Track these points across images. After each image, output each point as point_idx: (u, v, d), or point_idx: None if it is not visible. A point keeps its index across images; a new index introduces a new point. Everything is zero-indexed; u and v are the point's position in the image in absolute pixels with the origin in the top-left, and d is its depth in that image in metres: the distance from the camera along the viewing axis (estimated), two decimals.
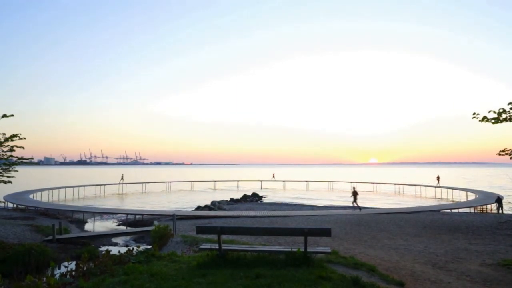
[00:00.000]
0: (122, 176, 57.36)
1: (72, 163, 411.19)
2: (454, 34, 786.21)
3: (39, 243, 13.85)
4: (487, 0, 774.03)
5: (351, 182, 54.61)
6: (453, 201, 33.76)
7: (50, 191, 38.52)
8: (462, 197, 35.39)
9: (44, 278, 5.78)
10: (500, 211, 25.48)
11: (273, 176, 66.02)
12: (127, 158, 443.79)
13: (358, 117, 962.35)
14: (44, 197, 35.75)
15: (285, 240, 11.94)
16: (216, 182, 58.81)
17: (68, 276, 6.33)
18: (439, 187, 42.85)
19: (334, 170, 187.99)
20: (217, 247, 7.10)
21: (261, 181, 60.17)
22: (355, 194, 23.59)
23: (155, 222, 18.05)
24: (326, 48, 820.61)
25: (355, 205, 23.34)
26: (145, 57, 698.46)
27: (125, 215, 23.31)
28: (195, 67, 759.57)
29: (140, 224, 21.24)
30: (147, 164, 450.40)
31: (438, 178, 47.27)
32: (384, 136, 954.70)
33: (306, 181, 58.25)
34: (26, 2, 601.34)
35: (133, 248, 9.10)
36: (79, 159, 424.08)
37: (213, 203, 31.65)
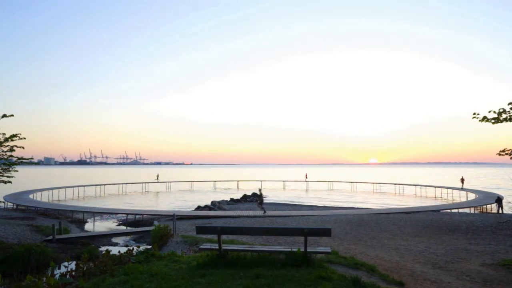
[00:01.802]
0: (158, 176, 59.53)
1: (72, 163, 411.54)
2: (454, 34, 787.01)
3: (39, 243, 13.85)
4: (488, 0, 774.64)
5: (351, 182, 54.71)
6: (453, 201, 33.76)
7: (50, 191, 38.54)
8: (462, 197, 35.39)
9: (44, 278, 5.78)
10: (500, 211, 25.49)
11: (306, 177, 64.59)
12: (127, 158, 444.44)
13: (358, 117, 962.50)
14: (44, 197, 35.75)
15: (285, 240, 11.94)
16: (216, 182, 58.84)
17: (68, 276, 6.33)
18: (464, 189, 38.60)
19: (334, 170, 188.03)
20: (217, 247, 7.10)
21: (261, 181, 60.19)
22: (261, 195, 22.66)
23: (155, 222, 18.05)
24: (326, 48, 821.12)
25: (260, 206, 22.47)
26: (144, 57, 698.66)
27: (125, 215, 23.32)
28: (195, 67, 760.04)
29: (140, 224, 21.25)
30: (147, 164, 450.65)
31: (462, 180, 43.28)
32: (384, 136, 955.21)
33: (306, 181, 58.28)
34: (26, 2, 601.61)
35: (133, 248, 9.10)
36: (79, 159, 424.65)
37: (213, 203, 31.65)
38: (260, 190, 23.28)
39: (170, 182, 55.80)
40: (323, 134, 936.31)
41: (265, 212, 21.95)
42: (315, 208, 28.40)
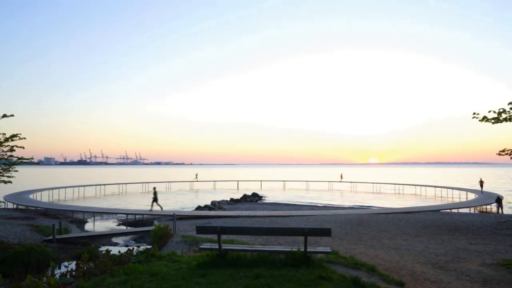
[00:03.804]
0: (197, 175, 62.04)
1: (72, 163, 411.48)
2: (454, 34, 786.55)
3: (39, 243, 13.84)
4: (488, 0, 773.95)
5: (351, 182, 54.71)
6: (453, 201, 33.75)
7: (50, 191, 38.51)
8: (462, 197, 35.37)
9: (44, 278, 5.79)
10: (500, 211, 25.49)
11: (341, 177, 62.60)
12: (127, 158, 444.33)
13: (358, 117, 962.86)
14: (44, 197, 35.74)
15: (285, 240, 11.94)
16: (216, 182, 58.81)
17: (68, 276, 6.34)
18: (485, 193, 34.49)
19: (334, 170, 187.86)
20: (217, 247, 7.10)
21: (261, 181, 60.16)
22: (155, 194, 23.79)
23: (155, 222, 18.04)
24: (326, 48, 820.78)
25: (156, 205, 23.43)
26: (145, 57, 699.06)
27: (125, 215, 23.31)
28: (195, 67, 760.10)
29: (140, 224, 21.24)
30: (147, 164, 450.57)
31: (481, 182, 37.28)
32: (384, 136, 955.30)
33: (306, 181, 58.25)
34: (26, 2, 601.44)
35: (133, 248, 9.10)
36: (79, 159, 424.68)
37: (213, 203, 31.64)
38: (154, 188, 24.51)
39: (170, 182, 55.74)
40: (323, 134, 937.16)
41: (162, 209, 23.36)
42: (315, 208, 28.39)
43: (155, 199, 23.39)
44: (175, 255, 7.98)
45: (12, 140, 15.76)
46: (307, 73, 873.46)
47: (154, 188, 24.53)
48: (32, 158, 18.23)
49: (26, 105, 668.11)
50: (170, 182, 55.80)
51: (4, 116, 15.09)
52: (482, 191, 35.28)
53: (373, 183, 53.24)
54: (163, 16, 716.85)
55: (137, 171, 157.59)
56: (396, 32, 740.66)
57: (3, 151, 15.76)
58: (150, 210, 23.28)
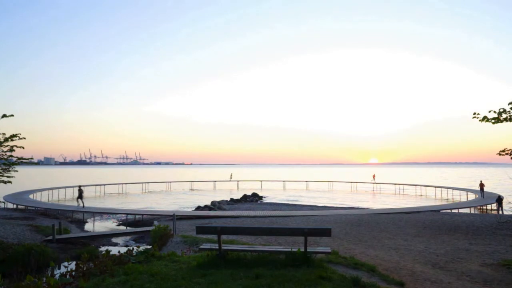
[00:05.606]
0: (231, 175, 65.00)
1: (72, 163, 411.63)
2: (454, 34, 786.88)
3: (39, 243, 13.84)
4: (488, 0, 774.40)
5: (351, 182, 54.71)
6: (453, 201, 33.74)
7: (50, 191, 38.52)
8: (462, 197, 35.37)
9: (44, 278, 5.77)
10: (500, 211, 25.48)
11: (373, 178, 59.91)
12: (127, 158, 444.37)
13: (358, 117, 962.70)
14: (44, 197, 35.74)
15: (285, 240, 11.93)
16: (216, 182, 58.81)
17: (68, 276, 6.32)
18: (488, 196, 31.71)
19: (334, 170, 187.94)
20: (217, 247, 7.10)
21: (261, 181, 60.16)
22: (80, 192, 26.12)
23: (155, 222, 18.05)
24: (326, 47, 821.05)
25: (79, 202, 25.64)
26: (144, 57, 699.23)
27: (125, 215, 23.31)
28: (195, 66, 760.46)
29: (140, 224, 21.24)
30: (147, 164, 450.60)
31: (482, 186, 33.01)
32: (384, 136, 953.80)
33: (306, 181, 58.24)
34: (26, 2, 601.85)
35: (133, 248, 9.08)
36: (79, 159, 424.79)
37: (213, 203, 31.65)
38: (80, 187, 27.10)
39: (170, 182, 55.69)
40: (323, 134, 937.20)
41: (83, 206, 25.38)
42: (315, 208, 28.38)
43: (79, 197, 25.82)
44: (175, 255, 7.97)
45: (12, 140, 15.79)
46: (307, 73, 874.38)
47: (80, 187, 27.13)
48: (32, 158, 18.25)
49: (26, 105, 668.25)
50: (170, 182, 55.73)
51: (4, 116, 15.11)
52: (483, 196, 32.02)
53: (373, 183, 53.26)
54: (164, 16, 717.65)
55: (137, 171, 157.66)
56: (395, 32, 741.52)
57: (2, 151, 15.78)
58: (78, 205, 25.64)
